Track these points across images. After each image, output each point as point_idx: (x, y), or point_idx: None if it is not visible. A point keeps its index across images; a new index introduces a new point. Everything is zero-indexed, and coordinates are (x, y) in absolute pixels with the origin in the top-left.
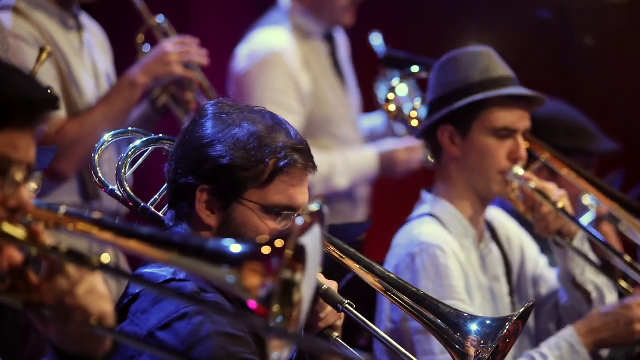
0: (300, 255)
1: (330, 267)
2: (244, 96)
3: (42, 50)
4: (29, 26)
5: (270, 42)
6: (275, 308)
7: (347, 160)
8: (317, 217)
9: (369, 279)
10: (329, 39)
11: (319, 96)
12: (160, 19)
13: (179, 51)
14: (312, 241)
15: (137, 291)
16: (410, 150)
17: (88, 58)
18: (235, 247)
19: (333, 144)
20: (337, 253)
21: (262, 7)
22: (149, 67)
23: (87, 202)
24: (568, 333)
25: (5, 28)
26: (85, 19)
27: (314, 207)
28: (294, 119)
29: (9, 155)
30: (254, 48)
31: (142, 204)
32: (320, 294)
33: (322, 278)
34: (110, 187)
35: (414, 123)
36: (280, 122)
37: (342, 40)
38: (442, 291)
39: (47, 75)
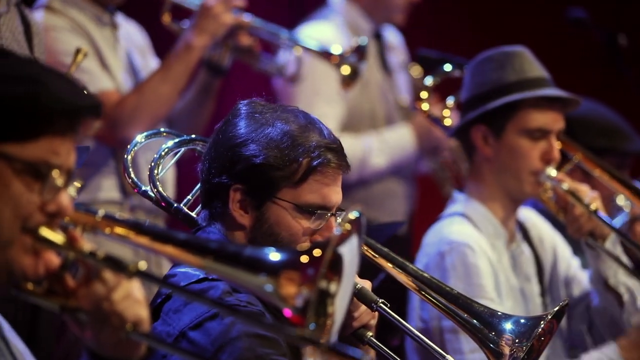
0: (337, 264)
1: (364, 267)
2: (288, 85)
3: (77, 51)
4: (64, 21)
5: (316, 35)
6: (310, 317)
7: (382, 139)
8: (355, 226)
9: (402, 278)
10: (378, 37)
11: (362, 90)
12: None
13: (221, 1)
14: (350, 251)
15: (170, 290)
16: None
17: (123, 54)
18: (274, 255)
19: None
20: (370, 252)
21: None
22: (200, 27)
23: (126, 198)
24: (611, 350)
25: (41, 30)
26: (123, 19)
27: (352, 215)
28: (333, 110)
29: (49, 161)
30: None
31: (175, 205)
32: (354, 293)
33: (356, 277)
34: (143, 188)
35: (447, 122)
36: (313, 121)
37: (395, 40)
38: (471, 290)
39: (92, 63)
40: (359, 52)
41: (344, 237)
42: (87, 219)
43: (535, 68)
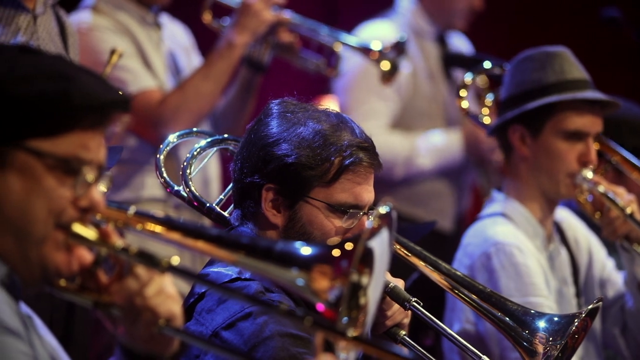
0: (368, 258)
1: (397, 265)
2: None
3: (112, 52)
4: (108, 21)
5: (373, 33)
6: (343, 311)
7: (431, 140)
8: (386, 220)
9: (435, 276)
10: (442, 41)
11: (416, 91)
12: None
13: (258, 1)
14: (381, 244)
15: (203, 290)
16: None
17: (167, 54)
18: (305, 250)
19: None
20: (403, 251)
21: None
22: (241, 24)
23: (170, 196)
24: None
25: (75, 32)
26: (167, 19)
27: (383, 210)
28: (385, 106)
29: (80, 156)
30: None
31: (208, 204)
32: (387, 292)
33: (388, 276)
34: (176, 188)
35: (486, 120)
36: (345, 121)
37: (463, 46)
38: (525, 289)
39: (134, 63)
40: (398, 48)
41: (374, 231)
42: (119, 215)
43: (575, 69)
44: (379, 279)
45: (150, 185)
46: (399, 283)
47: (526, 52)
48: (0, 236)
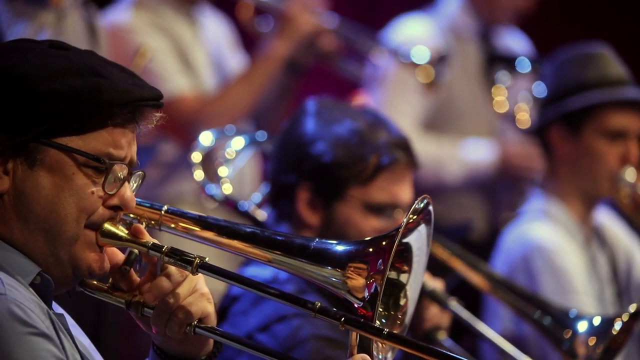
0: (405, 254)
1: (436, 266)
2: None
3: (137, 51)
4: (149, 19)
5: (406, 32)
6: (381, 308)
7: (461, 151)
8: (423, 215)
9: (475, 278)
10: (486, 38)
11: (451, 91)
12: None
13: (298, 8)
14: (418, 240)
15: (238, 293)
16: (530, 158)
17: (209, 49)
18: (340, 247)
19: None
20: (443, 252)
21: None
22: (282, 36)
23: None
24: None
25: (106, 35)
26: (210, 13)
27: (420, 205)
28: (418, 106)
29: (111, 153)
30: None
31: (242, 205)
32: (426, 293)
33: (427, 277)
34: (211, 189)
35: (523, 121)
36: (381, 119)
37: (516, 44)
38: (564, 289)
39: (167, 63)
40: (442, 61)
41: (411, 227)
42: (151, 213)
43: (616, 68)
44: (417, 276)
45: (187, 188)
46: (438, 284)
47: (566, 52)
48: (31, 236)
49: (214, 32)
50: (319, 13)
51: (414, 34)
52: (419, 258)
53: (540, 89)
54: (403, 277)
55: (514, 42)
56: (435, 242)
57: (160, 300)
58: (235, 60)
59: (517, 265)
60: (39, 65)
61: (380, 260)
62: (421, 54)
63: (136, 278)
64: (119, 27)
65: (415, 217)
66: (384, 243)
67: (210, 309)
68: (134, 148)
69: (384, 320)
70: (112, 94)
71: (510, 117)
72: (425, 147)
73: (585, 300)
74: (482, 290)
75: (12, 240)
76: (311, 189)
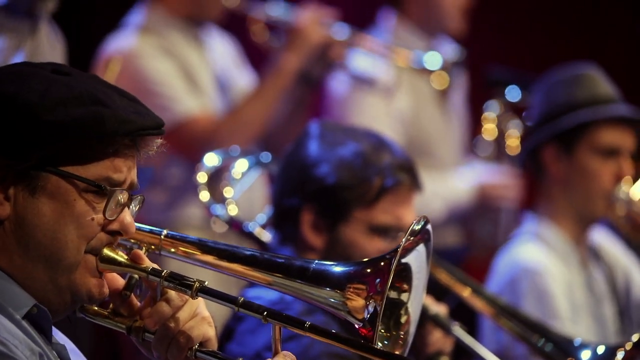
0: (405, 274)
1: (437, 290)
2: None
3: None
4: (156, 42)
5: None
6: (382, 329)
7: (443, 191)
8: (421, 235)
9: (477, 303)
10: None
11: (419, 121)
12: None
13: (307, 20)
14: (417, 260)
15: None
16: (507, 188)
17: (216, 70)
18: (339, 268)
19: (432, 165)
20: (446, 276)
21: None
22: (292, 49)
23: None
24: None
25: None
26: (216, 34)
27: (418, 225)
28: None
29: (111, 178)
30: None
31: (247, 227)
32: (430, 318)
33: (430, 302)
34: (215, 211)
35: (512, 147)
36: (385, 141)
37: (456, 56)
38: (546, 313)
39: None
40: (455, 66)
41: (410, 247)
42: (150, 238)
43: (605, 87)
44: (418, 294)
45: (194, 212)
46: (442, 308)
47: (555, 72)
48: (31, 263)
49: (221, 53)
50: (329, 24)
51: (361, 62)
52: (419, 276)
53: (530, 116)
54: (403, 296)
55: (455, 56)
56: (437, 267)
57: (160, 325)
58: (243, 79)
59: (505, 287)
60: (41, 92)
61: (379, 280)
62: (434, 60)
63: (136, 303)
64: (124, 53)
65: (413, 238)
66: (382, 264)
67: (211, 332)
68: (134, 172)
69: (385, 342)
70: (114, 124)
71: (498, 143)
72: None
73: (568, 325)
74: (485, 315)
75: (11, 267)
76: (315, 211)
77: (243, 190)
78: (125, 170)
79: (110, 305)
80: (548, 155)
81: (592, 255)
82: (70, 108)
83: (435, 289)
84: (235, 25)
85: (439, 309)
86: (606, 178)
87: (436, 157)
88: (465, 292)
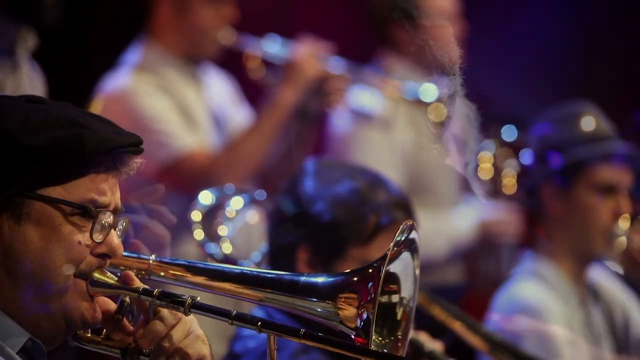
0: (393, 281)
1: (434, 328)
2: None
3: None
4: (152, 79)
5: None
6: (376, 336)
7: (445, 229)
8: (405, 244)
9: (473, 339)
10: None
11: (419, 156)
12: (267, 47)
13: (303, 55)
14: (403, 268)
15: (240, 351)
16: (507, 223)
17: (212, 107)
18: (327, 279)
19: (432, 201)
20: (442, 313)
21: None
22: (288, 83)
23: None
24: None
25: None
26: (212, 71)
27: (400, 236)
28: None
29: (95, 200)
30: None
31: (241, 264)
32: (426, 355)
33: (426, 338)
34: (209, 249)
35: (508, 186)
36: (381, 179)
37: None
38: (546, 353)
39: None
40: (451, 98)
41: (393, 255)
42: (139, 264)
43: (602, 124)
44: (408, 298)
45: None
46: (438, 345)
47: (551, 112)
48: (21, 292)
49: (218, 90)
50: (325, 58)
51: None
52: (407, 283)
53: (526, 156)
54: (394, 300)
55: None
56: (433, 303)
57: (155, 345)
58: (240, 116)
59: (504, 324)
60: (19, 120)
61: (369, 287)
62: (429, 92)
63: (129, 326)
64: (121, 92)
65: (396, 247)
66: (370, 271)
67: (205, 350)
68: (118, 195)
69: (384, 350)
70: (93, 142)
71: (494, 182)
72: None
73: None
74: (481, 352)
75: (2, 299)
76: (311, 248)
77: (238, 228)
78: (109, 194)
79: (104, 331)
80: (546, 194)
81: (590, 293)
82: (49, 132)
83: (431, 325)
84: (232, 62)
85: (435, 345)
86: (605, 215)
87: (437, 193)
88: (462, 329)
